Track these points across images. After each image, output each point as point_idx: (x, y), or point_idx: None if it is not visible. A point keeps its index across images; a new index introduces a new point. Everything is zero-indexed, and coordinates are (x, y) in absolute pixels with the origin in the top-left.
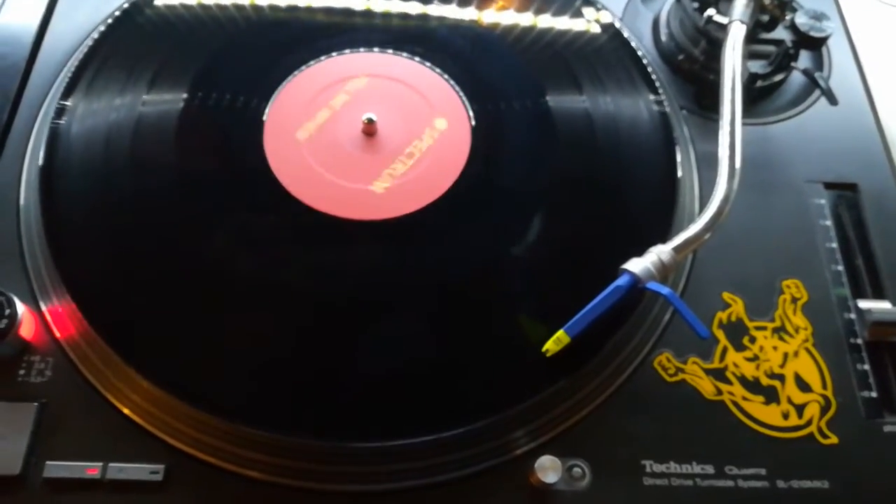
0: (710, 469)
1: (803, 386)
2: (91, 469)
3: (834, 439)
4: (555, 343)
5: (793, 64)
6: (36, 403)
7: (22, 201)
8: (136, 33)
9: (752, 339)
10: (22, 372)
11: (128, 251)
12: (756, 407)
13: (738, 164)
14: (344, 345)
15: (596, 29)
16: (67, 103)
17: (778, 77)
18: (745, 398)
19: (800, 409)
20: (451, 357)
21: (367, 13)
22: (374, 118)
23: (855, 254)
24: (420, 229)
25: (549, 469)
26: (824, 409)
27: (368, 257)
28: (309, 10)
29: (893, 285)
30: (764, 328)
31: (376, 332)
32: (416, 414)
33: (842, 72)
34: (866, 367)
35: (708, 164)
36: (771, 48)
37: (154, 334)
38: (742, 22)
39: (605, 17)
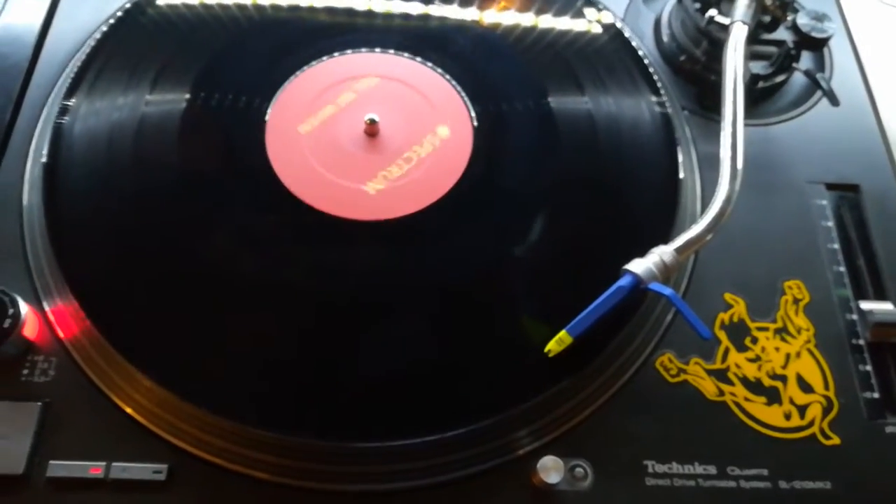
0: (712, 469)
1: (805, 387)
2: (94, 468)
3: (836, 440)
4: (557, 343)
5: (794, 65)
6: (39, 403)
7: (25, 201)
8: (138, 33)
9: (754, 340)
10: (25, 372)
11: (131, 251)
12: (758, 407)
13: (739, 165)
14: (347, 345)
15: (597, 29)
16: (70, 103)
17: (779, 78)
18: (747, 399)
19: (802, 409)
20: (454, 357)
21: (369, 13)
22: (377, 119)
23: (857, 255)
24: (422, 230)
25: (551, 469)
26: (826, 410)
27: (372, 257)
28: (311, 9)
29: (895, 286)
30: (766, 329)
31: (379, 332)
32: (419, 414)
33: (843, 73)
34: (868, 368)
35: (710, 165)
36: (772, 49)
37: (157, 334)
38: (744, 23)
39: (607, 18)
